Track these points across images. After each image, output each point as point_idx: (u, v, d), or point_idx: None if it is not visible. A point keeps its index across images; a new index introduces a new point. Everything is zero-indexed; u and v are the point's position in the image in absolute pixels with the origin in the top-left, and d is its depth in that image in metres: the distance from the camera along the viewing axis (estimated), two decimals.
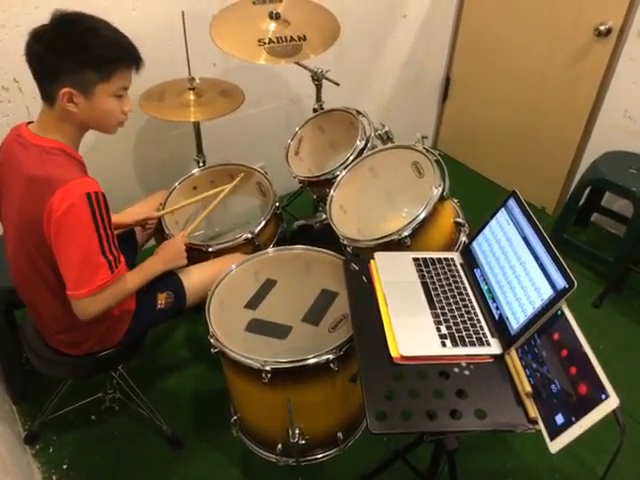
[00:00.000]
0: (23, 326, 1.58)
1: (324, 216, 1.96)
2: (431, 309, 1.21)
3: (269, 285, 1.67)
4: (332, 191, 1.73)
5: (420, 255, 1.37)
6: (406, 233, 1.45)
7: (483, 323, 1.18)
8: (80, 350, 1.48)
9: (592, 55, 2.40)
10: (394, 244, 1.46)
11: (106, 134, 1.36)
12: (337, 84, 2.16)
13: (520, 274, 1.14)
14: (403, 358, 1.08)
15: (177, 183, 1.94)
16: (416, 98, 3.16)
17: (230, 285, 1.56)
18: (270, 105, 2.58)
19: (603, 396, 0.86)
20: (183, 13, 1.87)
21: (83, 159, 1.33)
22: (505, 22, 2.72)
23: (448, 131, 3.35)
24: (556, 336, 1.00)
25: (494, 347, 1.12)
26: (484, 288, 1.24)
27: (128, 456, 1.76)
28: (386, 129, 1.84)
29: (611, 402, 0.85)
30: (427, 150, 1.61)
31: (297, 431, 1.40)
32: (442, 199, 1.51)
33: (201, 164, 2.15)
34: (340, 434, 1.51)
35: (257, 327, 1.63)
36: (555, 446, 0.90)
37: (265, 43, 1.88)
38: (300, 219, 2.29)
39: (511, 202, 1.25)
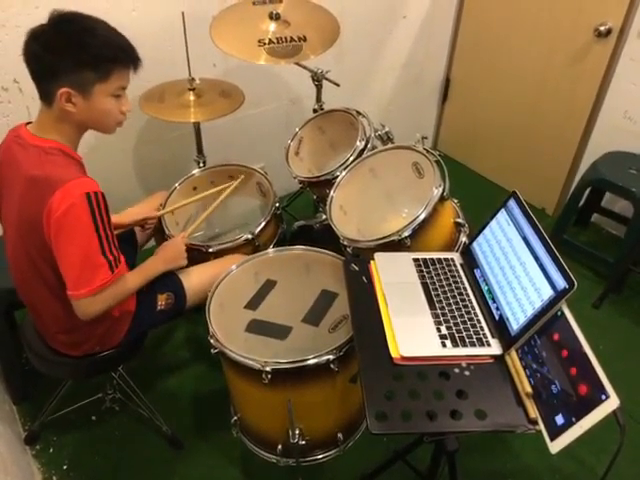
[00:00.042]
0: (23, 326, 1.58)
1: (324, 217, 1.96)
2: (431, 309, 1.21)
3: (269, 286, 1.67)
4: (332, 192, 1.73)
5: (420, 255, 1.37)
6: (406, 234, 1.45)
7: (483, 323, 1.18)
8: (80, 351, 1.48)
9: (592, 55, 2.40)
10: (394, 245, 1.46)
11: (105, 134, 1.36)
12: (337, 85, 2.16)
13: (520, 274, 1.14)
14: (403, 358, 1.08)
15: (177, 184, 1.94)
16: (416, 98, 3.16)
17: (230, 286, 1.56)
18: (270, 105, 2.58)
19: (603, 396, 0.86)
20: (183, 14, 1.87)
21: (82, 159, 1.33)
22: (505, 22, 2.72)
23: (448, 132, 3.36)
24: (556, 336, 1.00)
25: (494, 347, 1.12)
26: (484, 288, 1.24)
27: (128, 456, 1.76)
28: (386, 130, 1.84)
29: (611, 402, 0.85)
30: (427, 150, 1.61)
31: (297, 432, 1.40)
32: (442, 199, 1.51)
33: (201, 165, 2.15)
34: (340, 434, 1.51)
35: (257, 327, 1.63)
36: (555, 446, 0.90)
37: (265, 44, 1.88)
38: (300, 220, 2.28)
39: (511, 202, 1.25)
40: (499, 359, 1.09)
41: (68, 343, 1.46)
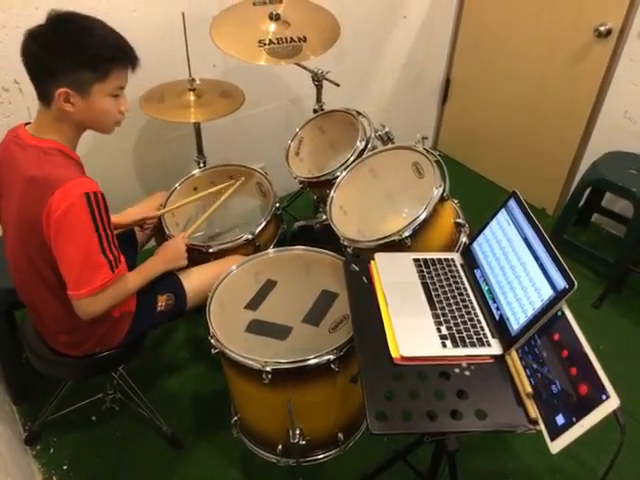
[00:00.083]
0: (23, 326, 1.58)
1: (324, 217, 1.96)
2: (431, 310, 1.21)
3: (269, 286, 1.67)
4: (332, 192, 1.73)
5: (420, 256, 1.37)
6: (406, 234, 1.45)
7: (483, 324, 1.18)
8: (80, 351, 1.48)
9: (592, 56, 2.40)
10: (394, 245, 1.46)
11: (104, 134, 1.36)
12: (337, 85, 2.16)
13: (520, 274, 1.14)
14: (403, 358, 1.08)
15: (177, 184, 1.94)
16: (416, 99, 3.16)
17: (230, 286, 1.56)
18: (270, 106, 2.58)
19: (604, 396, 0.86)
20: (183, 14, 1.87)
21: (81, 159, 1.33)
22: (505, 23, 2.72)
23: (448, 132, 3.36)
24: (556, 336, 1.00)
25: (494, 348, 1.12)
26: (484, 288, 1.25)
27: (128, 457, 1.76)
28: (386, 130, 1.85)
29: (612, 402, 0.85)
30: (427, 151, 1.61)
31: (297, 432, 1.40)
32: (442, 200, 1.51)
33: (201, 165, 2.15)
34: (340, 434, 1.51)
35: (257, 328, 1.63)
36: (556, 446, 0.90)
37: (265, 44, 1.88)
38: (300, 220, 2.28)
39: (511, 203, 1.25)
40: (499, 359, 1.09)
41: (68, 343, 1.46)
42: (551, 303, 1.02)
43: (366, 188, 1.77)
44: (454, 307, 1.22)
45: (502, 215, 1.27)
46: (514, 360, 1.07)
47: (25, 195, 1.23)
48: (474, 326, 1.17)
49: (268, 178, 1.96)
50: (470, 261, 1.34)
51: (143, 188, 2.41)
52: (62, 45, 1.18)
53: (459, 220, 1.59)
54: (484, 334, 1.15)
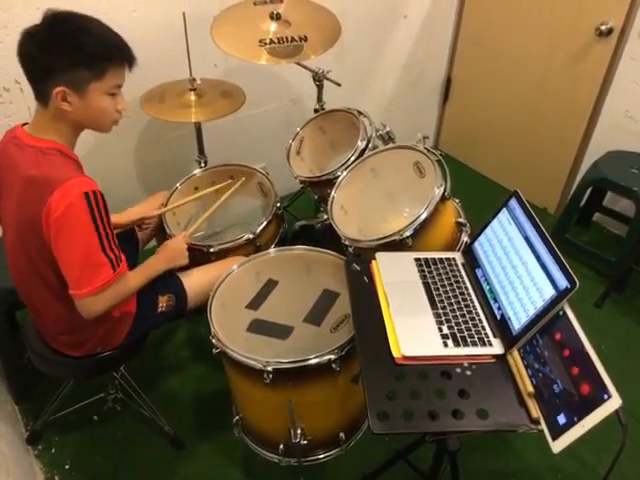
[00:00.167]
0: (25, 327, 1.59)
1: (325, 216, 1.96)
2: (433, 309, 1.21)
3: (270, 285, 1.67)
4: (333, 191, 1.73)
5: (422, 255, 1.37)
6: (407, 233, 1.45)
7: (485, 323, 1.18)
8: (81, 351, 1.48)
9: (593, 55, 2.39)
10: (395, 244, 1.46)
11: (103, 134, 1.36)
12: (338, 84, 2.16)
13: (522, 274, 1.14)
14: (405, 358, 1.08)
15: (178, 184, 1.95)
16: (417, 98, 3.16)
17: (231, 285, 1.56)
18: (271, 105, 2.58)
19: (605, 396, 0.86)
20: (184, 14, 1.87)
21: (79, 159, 1.33)
22: (506, 22, 2.72)
23: (449, 131, 3.35)
24: (558, 336, 1.00)
25: (496, 347, 1.11)
26: (486, 288, 1.24)
27: (130, 456, 1.76)
28: (387, 129, 1.84)
29: (613, 402, 0.85)
30: (428, 150, 1.61)
31: (299, 431, 1.40)
32: (443, 199, 1.51)
33: (202, 165, 2.15)
34: (342, 434, 1.51)
35: (258, 327, 1.63)
36: (557, 446, 0.90)
37: (266, 44, 1.88)
38: (301, 219, 2.29)
39: (513, 202, 1.25)
40: (501, 359, 1.09)
41: (69, 344, 1.46)
42: (553, 302, 1.02)
43: (367, 188, 1.77)
44: (455, 307, 1.21)
45: (503, 214, 1.27)
46: (515, 360, 1.06)
47: (24, 195, 1.23)
48: (475, 326, 1.16)
49: (269, 178, 1.97)
50: (471, 260, 1.34)
51: (144, 188, 2.41)
52: (59, 44, 1.18)
53: (460, 219, 1.59)
54: (485, 334, 1.14)
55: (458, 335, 1.14)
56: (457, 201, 1.66)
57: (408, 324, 1.16)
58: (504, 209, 1.27)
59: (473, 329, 1.15)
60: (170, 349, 2.12)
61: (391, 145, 1.78)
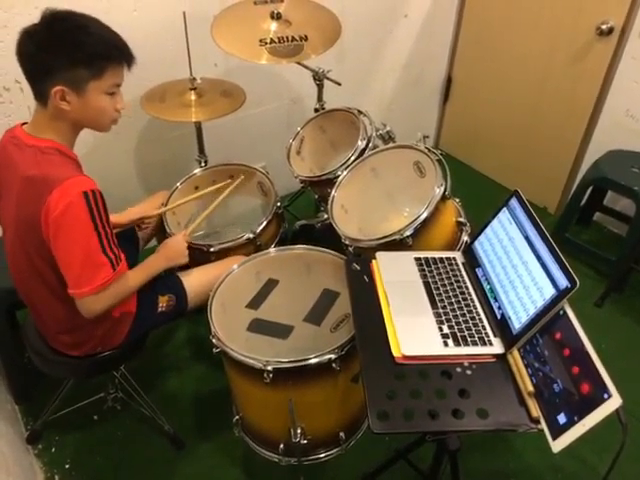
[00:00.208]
0: (25, 326, 1.59)
1: (325, 216, 1.96)
2: (433, 309, 1.21)
3: (271, 285, 1.67)
4: (333, 191, 1.72)
5: (422, 255, 1.37)
6: (408, 233, 1.45)
7: (485, 323, 1.17)
8: (81, 351, 1.48)
9: (594, 54, 2.39)
10: (396, 244, 1.46)
11: (102, 133, 1.36)
12: (338, 84, 2.16)
13: (522, 273, 1.14)
14: (405, 358, 1.08)
15: (179, 183, 1.95)
16: (417, 98, 3.16)
17: (232, 285, 1.56)
18: (271, 105, 2.58)
19: (605, 395, 0.86)
20: (184, 13, 1.87)
21: (78, 158, 1.33)
22: (506, 22, 2.72)
23: (449, 131, 3.35)
24: (558, 335, 1.00)
25: (496, 347, 1.11)
26: (486, 287, 1.24)
27: (130, 456, 1.76)
28: (387, 129, 1.84)
29: (613, 401, 0.85)
30: (429, 150, 1.61)
31: (299, 431, 1.40)
32: (444, 198, 1.51)
33: (202, 164, 2.15)
34: (342, 434, 1.51)
35: (259, 327, 1.63)
36: (557, 445, 0.90)
37: (266, 43, 1.88)
38: (301, 219, 2.29)
39: (513, 201, 1.24)
40: (501, 358, 1.09)
41: (69, 343, 1.46)
42: (553, 302, 1.02)
43: (367, 187, 1.77)
44: (456, 306, 1.21)
45: (504, 214, 1.27)
46: (516, 359, 1.06)
47: (23, 195, 1.23)
48: (476, 325, 1.16)
49: (269, 177, 1.96)
50: (472, 260, 1.34)
51: (144, 188, 2.41)
52: (58, 43, 1.18)
53: (460, 219, 1.59)
54: (486, 333, 1.14)
55: (458, 334, 1.14)
56: (457, 200, 1.66)
57: (408, 323, 1.16)
58: (504, 208, 1.27)
59: (473, 328, 1.15)
60: (170, 349, 2.12)
61: (391, 145, 1.78)
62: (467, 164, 3.25)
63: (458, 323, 1.17)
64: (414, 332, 1.14)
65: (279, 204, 1.88)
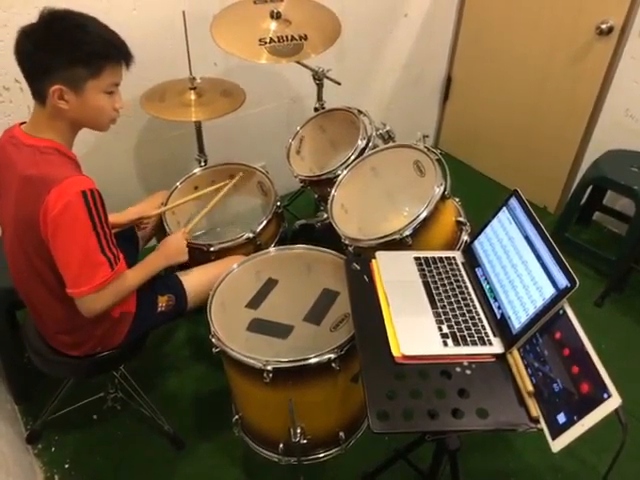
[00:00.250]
0: (24, 326, 1.58)
1: (325, 215, 1.96)
2: (433, 308, 1.21)
3: (270, 285, 1.67)
4: (333, 190, 1.72)
5: (421, 254, 1.37)
6: (407, 232, 1.44)
7: (485, 322, 1.17)
8: (81, 351, 1.48)
9: (593, 54, 2.39)
10: (395, 243, 1.46)
11: (102, 132, 1.36)
12: (338, 83, 2.16)
13: (522, 273, 1.14)
14: (405, 357, 1.08)
15: (178, 183, 1.94)
16: (417, 97, 3.16)
17: (231, 285, 1.56)
18: (271, 104, 2.58)
19: (605, 395, 0.86)
20: (184, 13, 1.87)
21: (77, 158, 1.33)
22: (506, 21, 2.71)
23: (449, 130, 3.35)
24: (558, 335, 1.00)
25: (496, 346, 1.11)
26: (486, 287, 1.24)
27: (130, 456, 1.76)
28: (387, 128, 1.84)
29: (613, 401, 0.85)
30: (428, 149, 1.61)
31: (299, 430, 1.40)
32: (443, 198, 1.51)
33: (202, 164, 2.15)
34: (342, 433, 1.51)
35: (258, 327, 1.63)
36: (557, 445, 0.90)
37: (266, 42, 1.88)
38: (301, 218, 2.28)
39: (513, 201, 1.24)
40: (501, 358, 1.09)
41: (69, 343, 1.46)
42: (553, 302, 1.02)
43: (367, 187, 1.77)
44: (455, 306, 1.21)
45: (503, 213, 1.27)
46: (515, 359, 1.06)
47: (22, 194, 1.23)
48: (475, 325, 1.16)
49: (269, 177, 1.96)
50: (471, 260, 1.34)
51: (144, 187, 2.41)
52: (56, 42, 1.18)
53: (460, 218, 1.59)
54: (485, 333, 1.14)
55: (458, 334, 1.14)
56: (457, 200, 1.66)
57: (408, 323, 1.15)
58: (504, 208, 1.27)
59: (473, 328, 1.15)
60: (170, 349, 2.12)
61: (391, 144, 1.78)
62: (467, 164, 3.24)
63: (458, 323, 1.17)
64: (414, 332, 1.14)
65: (279, 204, 1.88)
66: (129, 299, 1.47)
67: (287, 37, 1.91)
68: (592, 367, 0.90)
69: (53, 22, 1.19)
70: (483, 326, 1.16)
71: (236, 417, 1.57)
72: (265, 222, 1.79)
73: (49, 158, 1.24)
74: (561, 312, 1.01)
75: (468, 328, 1.15)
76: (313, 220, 2.23)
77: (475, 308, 1.21)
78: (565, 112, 2.60)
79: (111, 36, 1.25)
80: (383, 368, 1.06)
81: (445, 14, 2.92)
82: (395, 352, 1.08)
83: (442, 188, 1.49)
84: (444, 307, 1.21)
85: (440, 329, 1.15)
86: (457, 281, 1.29)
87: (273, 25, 1.93)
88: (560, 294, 1.01)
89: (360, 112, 1.91)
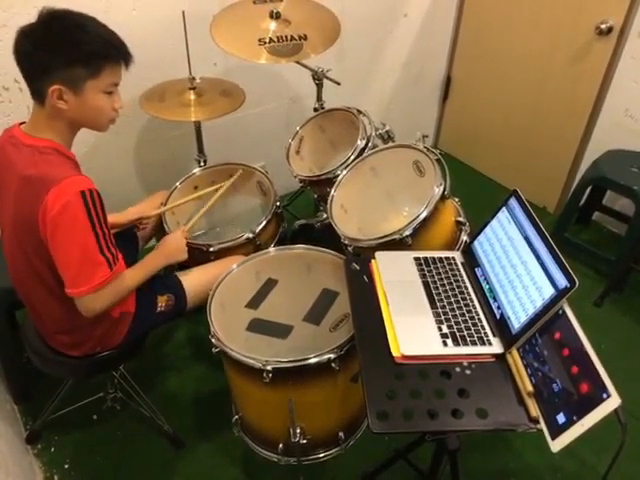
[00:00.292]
0: (24, 326, 1.58)
1: (325, 216, 1.96)
2: (432, 308, 1.21)
3: (270, 285, 1.67)
4: (333, 190, 1.72)
5: (421, 254, 1.37)
6: (407, 232, 1.44)
7: (484, 322, 1.17)
8: (81, 351, 1.47)
9: (593, 54, 2.39)
10: (395, 243, 1.46)
11: (101, 132, 1.36)
12: (338, 83, 2.16)
13: (521, 273, 1.14)
14: (404, 357, 1.08)
15: (178, 183, 1.94)
16: (417, 97, 3.16)
17: (231, 285, 1.56)
18: (271, 104, 2.58)
19: (604, 395, 0.86)
20: (184, 13, 1.87)
21: (77, 158, 1.32)
22: (506, 21, 2.72)
23: (449, 130, 3.35)
24: (557, 335, 1.00)
25: (495, 346, 1.11)
26: (485, 287, 1.24)
27: (129, 456, 1.76)
28: (387, 128, 1.84)
29: (612, 401, 0.85)
30: (428, 149, 1.61)
31: (298, 430, 1.40)
32: (443, 198, 1.51)
33: (202, 164, 2.15)
34: (341, 433, 1.51)
35: (258, 327, 1.63)
36: (556, 445, 0.90)
37: (266, 42, 1.88)
38: (301, 219, 2.28)
39: (512, 201, 1.24)
40: (500, 358, 1.09)
41: (68, 343, 1.46)
42: (552, 302, 1.02)
43: (367, 187, 1.77)
44: (455, 306, 1.21)
45: (503, 213, 1.27)
46: (515, 359, 1.06)
47: (21, 194, 1.23)
48: (475, 325, 1.16)
49: (269, 177, 1.96)
50: (471, 260, 1.34)
51: (143, 187, 2.41)
52: (55, 42, 1.18)
53: (460, 219, 1.59)
54: (485, 333, 1.14)
55: (457, 334, 1.14)
56: (457, 200, 1.66)
57: (408, 323, 1.16)
58: (504, 208, 1.27)
59: (472, 328, 1.15)
60: (170, 349, 2.12)
61: (391, 144, 1.78)
62: (466, 164, 3.25)
63: (457, 323, 1.17)
64: (413, 332, 1.14)
65: (278, 204, 1.88)
66: (128, 299, 1.47)
67: (287, 37, 1.91)
68: (591, 367, 0.90)
69: (52, 22, 1.19)
70: (483, 326, 1.16)
71: (236, 417, 1.57)
72: (265, 222, 1.79)
73: (48, 158, 1.24)
74: (560, 312, 1.01)
75: (468, 328, 1.15)
76: (313, 220, 2.23)
77: (475, 308, 1.21)
78: (565, 112, 2.60)
79: (110, 36, 1.25)
80: (383, 368, 1.06)
81: (445, 14, 2.92)
82: (395, 352, 1.08)
83: (442, 188, 1.49)
84: (444, 307, 1.21)
85: (440, 329, 1.15)
86: (457, 281, 1.29)
87: (273, 25, 1.93)
88: (559, 294, 1.01)
89: (360, 112, 1.91)
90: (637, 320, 2.26)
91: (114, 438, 1.80)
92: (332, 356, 1.31)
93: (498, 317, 1.16)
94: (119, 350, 1.52)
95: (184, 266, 1.68)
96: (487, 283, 1.24)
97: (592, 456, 1.73)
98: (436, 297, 1.24)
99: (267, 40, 1.89)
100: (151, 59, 2.03)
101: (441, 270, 1.32)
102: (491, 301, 1.20)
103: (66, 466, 1.73)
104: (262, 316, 1.64)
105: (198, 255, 1.71)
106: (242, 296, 1.63)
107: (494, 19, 2.77)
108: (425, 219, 1.46)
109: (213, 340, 1.39)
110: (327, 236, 1.68)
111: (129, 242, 1.75)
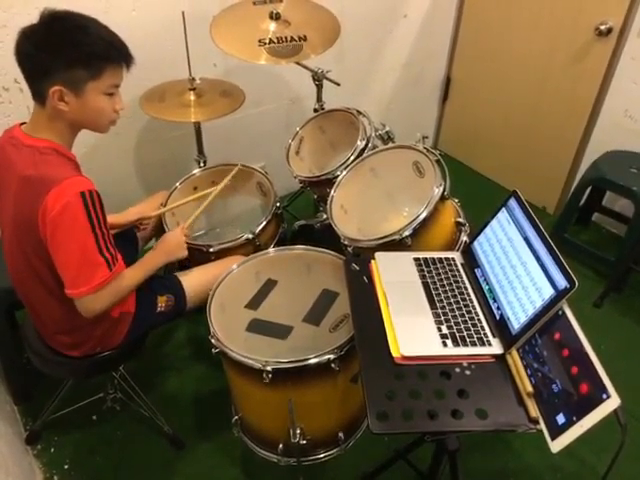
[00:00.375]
0: (24, 326, 1.58)
1: (325, 216, 1.96)
2: (432, 309, 1.21)
3: (270, 285, 1.67)
4: (333, 191, 1.73)
5: (421, 255, 1.37)
6: (407, 233, 1.45)
7: (484, 323, 1.18)
8: (80, 351, 1.48)
9: (593, 54, 2.39)
10: (395, 244, 1.46)
11: (100, 133, 1.36)
12: (338, 84, 2.16)
13: (521, 274, 1.14)
14: (404, 358, 1.08)
15: (178, 183, 1.95)
16: (416, 98, 3.16)
17: (231, 285, 1.56)
18: (271, 105, 2.58)
19: (604, 396, 0.86)
20: (183, 13, 1.87)
21: (77, 158, 1.33)
22: (506, 21, 2.72)
23: (449, 131, 3.35)
24: (557, 336, 1.00)
25: (495, 347, 1.11)
26: (485, 288, 1.24)
27: (129, 456, 1.76)
28: (387, 129, 1.85)
29: (612, 402, 0.85)
30: (428, 150, 1.61)
31: (298, 431, 1.40)
32: (443, 199, 1.51)
33: (202, 164, 2.15)
34: (341, 434, 1.51)
35: (258, 327, 1.63)
36: (556, 446, 0.90)
37: (265, 43, 1.88)
38: (301, 219, 2.28)
39: (512, 202, 1.25)
40: (500, 358, 1.09)
41: (68, 344, 1.46)
42: (552, 302, 1.02)
43: (366, 187, 1.77)
44: (455, 306, 1.21)
45: (503, 214, 1.27)
46: (515, 359, 1.06)
47: (20, 195, 1.23)
48: (475, 325, 1.16)
49: (268, 177, 1.96)
50: (471, 260, 1.34)
51: (143, 188, 2.41)
52: (56, 43, 1.18)
53: (459, 219, 1.59)
54: (485, 333, 1.15)
55: (457, 335, 1.14)
56: (456, 201, 1.66)
57: (407, 324, 1.16)
58: (503, 209, 1.27)
59: (472, 329, 1.15)
60: (170, 349, 2.12)
61: (390, 145, 1.78)
62: (466, 164, 3.25)
63: (457, 323, 1.17)
64: (413, 332, 1.14)
65: (278, 204, 1.88)
66: (128, 299, 1.47)
67: (286, 38, 1.91)
68: (591, 368, 0.90)
69: (53, 23, 1.19)
70: (482, 327, 1.16)
71: (236, 417, 1.57)
72: (264, 223, 1.79)
73: (48, 159, 1.24)
74: (560, 313, 1.02)
75: (467, 329, 1.15)
76: (312, 221, 2.23)
77: (474, 309, 1.21)
78: (564, 112, 2.60)
79: (112, 37, 1.25)
80: (382, 368, 1.06)
81: (444, 14, 2.92)
82: (394, 353, 1.09)
83: (441, 189, 1.50)
84: (443, 308, 1.21)
85: (439, 330, 1.15)
86: (456, 282, 1.29)
87: (272, 26, 1.93)
88: (559, 295, 1.01)
89: (359, 113, 1.91)
90: (637, 320, 2.26)
91: (114, 438, 1.80)
92: (332, 357, 1.31)
93: (498, 318, 1.16)
94: (119, 350, 1.52)
95: (184, 266, 1.68)
96: (487, 284, 1.24)
97: (592, 456, 1.73)
98: (436, 298, 1.24)
99: (267, 41, 1.89)
100: (151, 60, 2.04)
101: (441, 271, 1.32)
102: (491, 302, 1.21)
103: (66, 466, 1.73)
104: (262, 316, 1.64)
105: (198, 256, 1.71)
106: (242, 296, 1.63)
107: (494, 19, 2.78)
108: (425, 220, 1.46)
109: (213, 340, 1.39)
110: (327, 237, 1.69)
111: (129, 242, 1.75)
